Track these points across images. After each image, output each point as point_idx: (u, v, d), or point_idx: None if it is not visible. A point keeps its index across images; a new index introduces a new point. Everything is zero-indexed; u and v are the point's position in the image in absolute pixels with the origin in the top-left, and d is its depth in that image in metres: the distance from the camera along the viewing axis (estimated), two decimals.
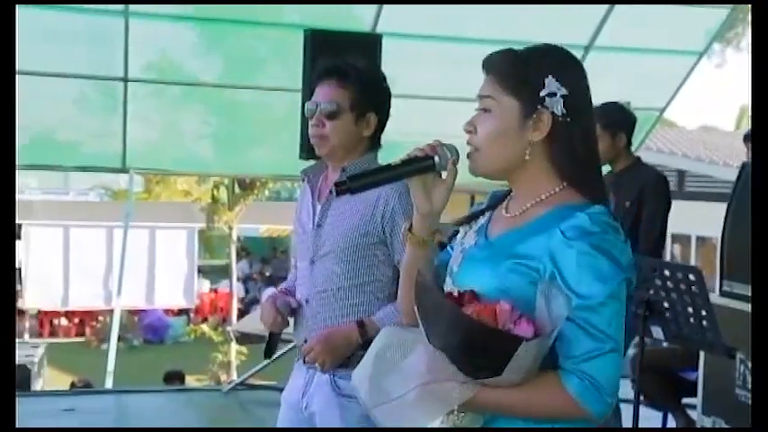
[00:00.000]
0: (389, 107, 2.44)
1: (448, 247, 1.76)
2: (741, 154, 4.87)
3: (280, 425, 2.49)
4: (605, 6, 6.17)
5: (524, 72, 1.59)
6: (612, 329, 1.50)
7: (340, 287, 2.36)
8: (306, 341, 2.41)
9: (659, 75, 6.85)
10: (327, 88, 2.37)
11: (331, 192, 2.38)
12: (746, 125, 24.77)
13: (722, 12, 6.65)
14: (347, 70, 2.38)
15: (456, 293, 1.54)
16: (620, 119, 3.87)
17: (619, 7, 6.16)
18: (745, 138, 5.00)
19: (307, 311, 2.42)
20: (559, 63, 1.61)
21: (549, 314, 1.46)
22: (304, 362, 2.41)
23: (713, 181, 13.18)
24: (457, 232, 1.75)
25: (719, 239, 3.63)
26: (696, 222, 11.20)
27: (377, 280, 2.35)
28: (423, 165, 1.62)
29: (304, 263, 2.44)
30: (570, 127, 1.58)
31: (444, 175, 1.64)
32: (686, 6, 6.39)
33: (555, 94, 1.57)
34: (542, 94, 1.57)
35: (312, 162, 4.08)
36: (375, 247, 2.34)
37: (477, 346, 1.45)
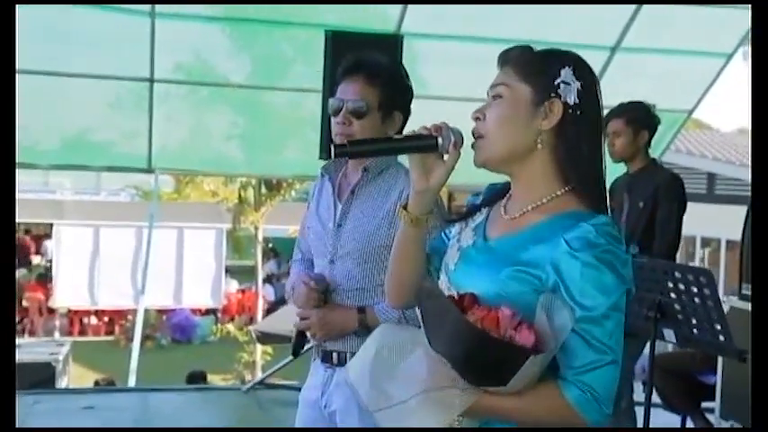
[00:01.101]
0: (410, 106, 2.43)
1: (442, 235, 1.76)
2: None
3: (298, 423, 2.48)
4: (632, 7, 6.12)
5: (540, 61, 1.61)
6: (613, 341, 1.51)
7: (359, 288, 2.36)
8: (325, 340, 2.41)
9: (687, 76, 6.78)
10: (355, 85, 2.34)
11: (352, 192, 2.38)
12: None
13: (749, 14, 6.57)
14: (376, 67, 2.36)
15: (456, 296, 1.54)
16: (645, 117, 3.85)
17: (646, 8, 6.11)
18: None
19: None
20: (576, 60, 1.62)
21: (552, 326, 1.46)
22: (322, 360, 2.42)
23: (744, 184, 12.99)
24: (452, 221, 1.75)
25: (740, 242, 3.58)
26: (726, 226, 11.06)
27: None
28: (425, 143, 1.62)
29: (323, 261, 2.43)
30: (579, 121, 1.58)
31: (446, 157, 1.63)
32: (714, 7, 6.32)
33: (569, 84, 1.58)
34: (557, 81, 1.58)
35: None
36: None
37: (483, 356, 1.45)
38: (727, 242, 14.63)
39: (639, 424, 3.22)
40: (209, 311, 17.95)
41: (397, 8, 5.95)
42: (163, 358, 13.70)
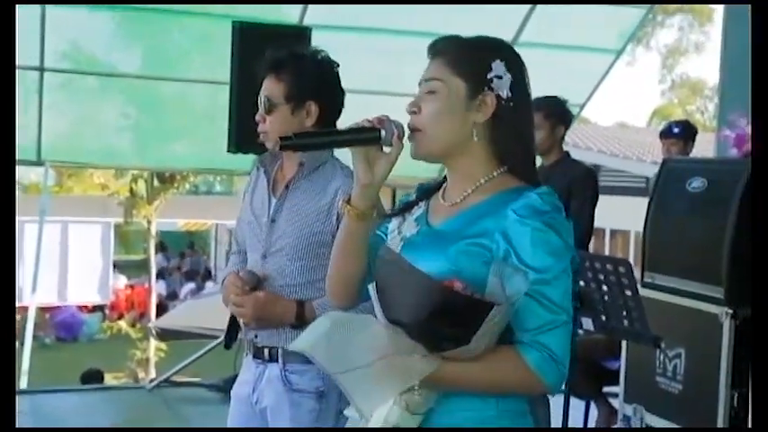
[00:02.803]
0: (337, 93, 2.41)
1: (377, 232, 1.76)
2: (654, 149, 5.04)
3: (231, 419, 2.46)
4: (528, 6, 6.28)
5: (473, 54, 1.63)
6: (566, 302, 1.54)
7: (291, 283, 2.35)
8: (256, 336, 2.39)
9: (579, 71, 7.00)
10: (267, 82, 2.38)
11: (287, 186, 2.38)
12: (657, 122, 25.59)
13: (639, 12, 6.84)
14: (282, 61, 2.37)
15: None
16: (562, 112, 3.99)
17: (540, 6, 6.28)
18: (661, 134, 5.18)
19: None
20: (506, 51, 1.66)
21: (505, 293, 1.48)
22: (254, 356, 2.39)
23: (627, 175, 13.57)
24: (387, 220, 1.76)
25: (642, 232, 3.74)
26: (609, 216, 11.52)
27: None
28: (368, 136, 1.64)
29: (255, 255, 2.42)
30: (512, 111, 1.62)
31: (388, 149, 1.65)
32: (603, 6, 6.56)
33: (501, 77, 1.62)
34: (490, 76, 1.61)
35: (240, 155, 4.07)
36: (329, 244, 2.30)
37: (448, 311, 1.45)
38: (611, 231, 15.25)
39: (553, 411, 3.31)
40: (96, 308, 17.39)
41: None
42: (49, 358, 13.16)
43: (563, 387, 1.64)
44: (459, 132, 1.62)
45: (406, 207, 1.74)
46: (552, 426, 3.45)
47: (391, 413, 1.50)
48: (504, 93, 1.61)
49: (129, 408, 5.19)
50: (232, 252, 2.61)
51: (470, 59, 1.62)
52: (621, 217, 9.17)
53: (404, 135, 1.65)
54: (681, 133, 5.02)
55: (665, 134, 5.08)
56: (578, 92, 7.07)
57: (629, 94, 46.88)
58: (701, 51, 30.25)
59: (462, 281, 1.50)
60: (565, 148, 4.07)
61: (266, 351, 2.37)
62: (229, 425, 2.47)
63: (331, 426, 2.29)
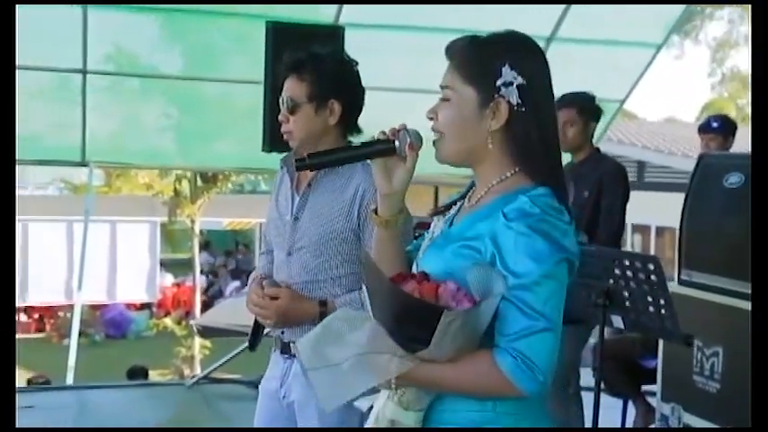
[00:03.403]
0: (358, 91, 2.43)
1: (425, 232, 1.78)
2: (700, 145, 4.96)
3: (258, 413, 2.50)
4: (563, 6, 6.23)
5: (481, 61, 1.61)
6: (548, 309, 1.51)
7: (315, 280, 2.38)
8: (283, 332, 2.43)
9: (619, 66, 6.92)
10: (289, 83, 2.40)
11: (309, 185, 2.41)
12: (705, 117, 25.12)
13: (680, 6, 6.75)
14: (303, 62, 2.39)
15: (408, 275, 1.59)
16: (594, 107, 3.97)
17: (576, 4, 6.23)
18: (700, 129, 5.09)
19: None
20: (517, 51, 1.62)
21: (484, 294, 1.48)
22: (281, 351, 2.42)
23: (672, 172, 13.34)
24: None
25: (678, 228, 3.68)
26: (656, 213, 11.36)
27: (352, 273, 2.36)
28: (382, 147, 1.66)
29: (281, 253, 2.46)
30: (526, 116, 1.59)
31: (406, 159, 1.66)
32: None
33: (511, 84, 1.59)
34: (498, 83, 1.59)
35: (274, 155, 4.11)
36: (351, 241, 2.36)
37: (406, 315, 1.49)
38: (657, 228, 15.03)
39: (587, 409, 3.29)
40: (143, 306, 17.67)
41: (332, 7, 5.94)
42: (98, 355, 13.43)
43: (571, 390, 1.62)
44: (474, 141, 1.61)
45: (446, 207, 1.76)
46: (587, 425, 3.42)
47: (386, 407, 1.54)
48: (515, 99, 1.58)
49: (168, 404, 5.26)
50: (261, 252, 2.66)
51: (479, 66, 1.60)
52: (667, 214, 9.03)
53: (421, 144, 1.66)
54: (720, 128, 4.92)
55: (704, 129, 4.99)
56: (619, 87, 7.00)
57: (679, 89, 46.13)
58: None
59: (455, 282, 1.51)
60: (609, 143, 4.03)
61: (293, 346, 2.39)
62: (256, 419, 2.51)
63: (357, 422, 2.31)
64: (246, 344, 2.56)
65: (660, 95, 39.15)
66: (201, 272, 17.02)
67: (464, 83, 1.61)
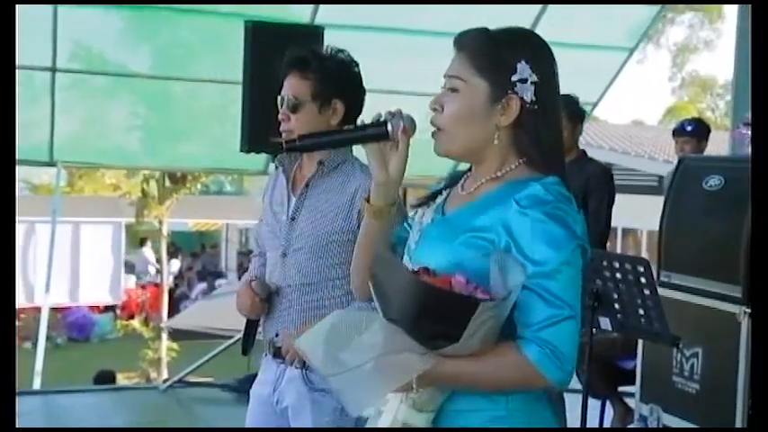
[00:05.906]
0: (361, 92, 2.42)
1: (405, 224, 1.75)
2: (667, 148, 5.01)
3: (250, 419, 2.46)
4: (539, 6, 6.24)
5: (497, 54, 1.58)
6: (569, 296, 1.49)
7: (310, 282, 2.35)
8: (277, 335, 2.39)
9: (592, 70, 6.96)
10: (290, 80, 2.37)
11: (307, 185, 2.38)
12: (671, 120, 25.48)
13: (651, 10, 6.80)
14: (308, 60, 2.37)
15: (412, 270, 1.53)
16: (579, 110, 4.00)
17: (551, 6, 6.24)
18: (674, 133, 5.13)
19: (278, 304, 2.40)
20: (533, 49, 1.60)
21: (505, 283, 1.45)
22: (274, 356, 2.39)
23: (639, 174, 13.50)
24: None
25: (658, 231, 3.71)
26: (622, 214, 11.47)
27: (347, 276, 2.31)
28: (374, 132, 1.61)
29: (275, 254, 2.42)
30: (536, 114, 1.58)
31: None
32: (616, 5, 6.51)
33: (526, 81, 1.57)
34: (514, 78, 1.56)
35: (251, 155, 4.05)
36: (349, 242, 2.31)
37: (435, 310, 1.43)
38: (623, 230, 15.19)
39: (570, 412, 3.28)
40: (107, 308, 17.43)
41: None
42: (61, 358, 13.22)
43: (577, 385, 1.60)
44: (480, 135, 1.58)
45: (432, 196, 1.72)
46: (568, 426, 3.42)
47: (399, 411, 1.49)
48: (529, 96, 1.56)
49: (142, 408, 5.18)
50: (253, 255, 2.62)
51: (494, 59, 1.57)
52: (634, 216, 9.13)
53: (414, 130, 1.62)
54: (694, 131, 4.98)
55: (678, 132, 5.04)
56: (591, 90, 7.04)
57: (642, 93, 46.72)
58: (711, 49, 30.13)
59: (465, 274, 1.47)
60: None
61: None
62: (248, 424, 2.46)
63: (352, 425, 2.27)
64: (222, 347, 2.53)
65: (623, 99, 39.59)
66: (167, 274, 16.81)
67: (476, 74, 1.57)
